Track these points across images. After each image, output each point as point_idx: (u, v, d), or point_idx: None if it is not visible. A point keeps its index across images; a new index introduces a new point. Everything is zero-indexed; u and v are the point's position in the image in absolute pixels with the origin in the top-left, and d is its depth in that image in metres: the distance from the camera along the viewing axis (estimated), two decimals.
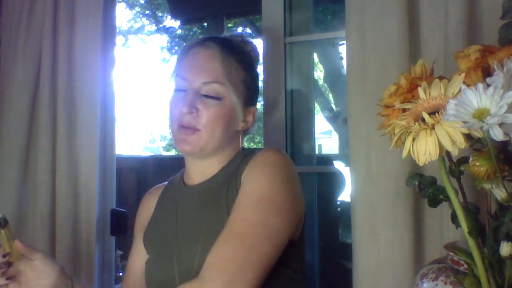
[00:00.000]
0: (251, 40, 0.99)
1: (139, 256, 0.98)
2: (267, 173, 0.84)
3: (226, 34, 0.99)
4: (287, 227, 0.82)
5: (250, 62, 0.94)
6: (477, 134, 0.49)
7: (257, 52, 0.98)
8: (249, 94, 0.92)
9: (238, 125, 0.91)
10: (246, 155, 0.92)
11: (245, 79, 0.91)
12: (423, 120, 0.52)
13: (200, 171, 0.93)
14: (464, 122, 0.47)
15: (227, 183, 0.88)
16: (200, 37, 0.97)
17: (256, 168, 0.86)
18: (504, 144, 0.52)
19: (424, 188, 0.63)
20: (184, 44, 0.96)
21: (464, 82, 0.53)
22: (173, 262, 0.87)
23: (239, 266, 0.74)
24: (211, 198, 0.89)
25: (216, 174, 0.91)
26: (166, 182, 1.04)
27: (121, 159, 1.51)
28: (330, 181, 1.81)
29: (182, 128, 0.87)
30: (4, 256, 0.82)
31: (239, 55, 0.91)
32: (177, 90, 0.90)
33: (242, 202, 0.82)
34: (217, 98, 0.87)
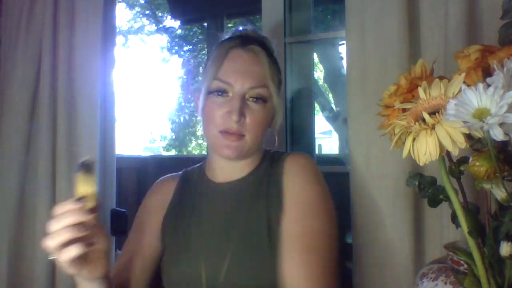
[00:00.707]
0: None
1: (144, 247, 0.92)
2: (310, 181, 0.88)
3: (240, 29, 0.97)
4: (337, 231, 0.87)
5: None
6: (477, 134, 0.49)
7: (274, 45, 0.98)
8: (280, 91, 0.93)
9: (277, 125, 0.93)
10: (273, 158, 0.94)
11: (280, 80, 0.93)
12: (423, 120, 0.52)
13: (231, 170, 0.92)
14: (464, 122, 0.47)
15: (262, 186, 0.90)
16: (234, 35, 0.94)
17: (297, 176, 0.88)
18: (504, 144, 0.52)
19: (424, 188, 0.63)
20: (219, 43, 0.92)
21: (464, 82, 0.52)
22: (201, 262, 0.85)
23: (326, 281, 0.78)
24: (246, 199, 0.89)
25: (248, 174, 0.92)
26: (179, 173, 1.01)
27: (121, 159, 1.50)
28: (330, 181, 1.81)
29: (226, 134, 0.85)
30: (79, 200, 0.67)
31: (273, 55, 0.93)
32: (217, 93, 0.87)
33: (300, 212, 0.84)
34: (264, 101, 0.87)
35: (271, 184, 0.89)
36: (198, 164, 1.02)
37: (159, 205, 0.96)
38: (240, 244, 0.84)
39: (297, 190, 0.87)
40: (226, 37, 0.95)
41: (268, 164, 0.93)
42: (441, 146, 0.50)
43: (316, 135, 1.49)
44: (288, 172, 0.89)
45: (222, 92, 0.86)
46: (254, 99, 0.86)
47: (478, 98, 0.47)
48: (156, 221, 0.94)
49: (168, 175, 1.02)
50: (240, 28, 0.97)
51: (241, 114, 0.84)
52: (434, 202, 0.62)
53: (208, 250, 0.86)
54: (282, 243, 0.81)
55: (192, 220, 0.91)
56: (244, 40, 0.90)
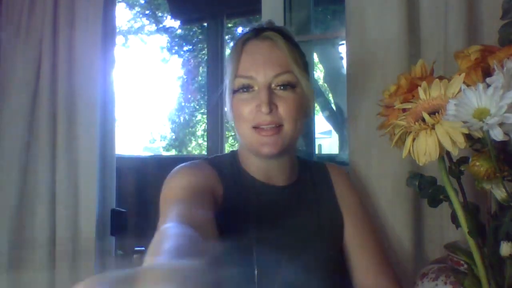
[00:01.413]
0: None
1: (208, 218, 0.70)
2: (357, 193, 0.97)
3: (258, 24, 0.92)
4: None
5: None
6: (477, 134, 0.49)
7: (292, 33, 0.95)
8: (309, 78, 0.87)
9: (311, 112, 0.89)
10: (310, 166, 0.96)
11: (306, 64, 0.87)
12: (423, 120, 0.52)
13: (281, 171, 0.88)
14: (464, 122, 0.47)
15: (312, 194, 0.91)
16: (249, 29, 0.89)
17: (347, 189, 0.95)
18: (504, 144, 0.52)
19: (424, 188, 0.63)
20: (235, 42, 0.87)
21: (464, 82, 0.53)
22: (254, 261, 0.81)
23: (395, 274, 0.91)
24: (299, 206, 0.89)
25: (296, 181, 0.91)
26: (203, 162, 0.87)
27: (121, 159, 1.50)
28: None
29: (261, 130, 0.81)
30: None
31: (295, 42, 0.88)
32: (242, 90, 0.82)
33: (361, 223, 0.92)
34: (292, 87, 0.82)
35: (323, 194, 0.93)
36: (221, 156, 0.93)
37: (209, 187, 0.79)
38: (300, 246, 0.85)
39: (351, 202, 0.94)
40: (230, 42, 0.93)
41: (309, 172, 0.95)
42: (441, 146, 0.50)
43: (316, 135, 1.49)
44: (337, 185, 0.95)
45: (247, 88, 0.82)
46: (282, 87, 0.81)
47: (478, 98, 0.47)
48: (208, 187, 0.79)
49: (189, 162, 0.86)
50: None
51: (271, 104, 0.79)
52: (434, 202, 0.62)
53: (263, 251, 0.83)
54: (353, 253, 0.90)
55: (245, 217, 0.83)
56: (258, 31, 0.86)
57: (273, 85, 0.81)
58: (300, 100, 0.83)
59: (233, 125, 0.88)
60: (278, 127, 0.81)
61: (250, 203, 0.84)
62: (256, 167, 0.87)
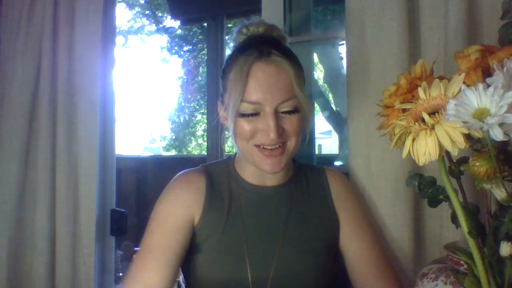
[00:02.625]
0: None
1: (175, 243, 0.85)
2: (357, 198, 0.99)
3: (246, 23, 0.92)
4: None
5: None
6: (477, 134, 0.49)
7: (284, 34, 0.94)
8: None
9: (310, 122, 0.90)
10: (305, 169, 0.98)
11: (303, 77, 0.88)
12: (423, 120, 0.52)
13: (275, 175, 0.91)
14: (464, 122, 0.47)
15: (304, 194, 0.94)
16: (246, 43, 0.88)
17: (346, 193, 0.97)
18: (504, 144, 0.52)
19: (424, 188, 0.63)
20: (234, 60, 0.85)
21: (464, 82, 0.52)
22: (246, 264, 0.85)
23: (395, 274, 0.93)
24: (289, 205, 0.91)
25: (288, 181, 0.94)
26: (199, 169, 0.95)
27: (121, 159, 1.51)
28: None
29: (265, 150, 0.83)
30: None
31: (293, 55, 0.87)
32: (247, 115, 0.82)
33: (361, 228, 0.94)
34: (297, 111, 0.83)
35: (317, 196, 0.94)
36: (218, 162, 0.98)
37: (190, 201, 0.89)
38: (290, 248, 0.87)
39: (349, 206, 0.95)
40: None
41: (304, 174, 0.97)
42: (440, 146, 0.50)
43: (316, 135, 1.49)
44: (334, 188, 0.95)
45: (252, 114, 0.82)
46: (288, 112, 0.82)
47: (478, 98, 0.47)
48: (184, 217, 0.88)
49: (187, 170, 0.95)
50: (246, 22, 0.92)
51: (278, 130, 0.81)
52: (434, 202, 0.62)
53: (254, 252, 0.86)
54: (353, 257, 0.91)
55: (234, 221, 0.89)
56: (261, 50, 0.83)
57: (280, 110, 0.82)
58: (302, 119, 0.85)
59: (231, 136, 0.89)
60: (282, 145, 0.83)
61: (240, 205, 0.90)
62: (250, 173, 0.92)
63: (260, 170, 0.87)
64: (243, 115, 0.82)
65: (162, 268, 0.83)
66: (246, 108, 0.81)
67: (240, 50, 0.86)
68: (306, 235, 0.89)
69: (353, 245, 0.91)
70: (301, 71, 0.86)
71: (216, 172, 0.94)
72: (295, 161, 0.99)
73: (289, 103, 0.82)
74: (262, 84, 0.81)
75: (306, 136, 0.88)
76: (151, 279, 0.82)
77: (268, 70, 0.81)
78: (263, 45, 0.84)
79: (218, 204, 0.90)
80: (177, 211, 0.88)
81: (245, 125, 0.82)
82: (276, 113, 0.81)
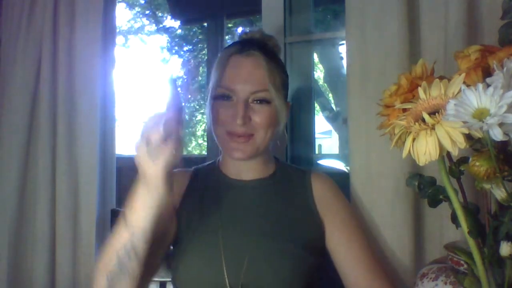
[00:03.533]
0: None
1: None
2: (342, 198, 0.98)
3: (246, 30, 1.00)
4: None
5: (282, 61, 0.98)
6: (477, 134, 0.49)
7: (279, 45, 1.01)
8: (286, 92, 0.96)
9: (283, 121, 0.95)
10: (290, 170, 1.00)
11: (284, 80, 0.95)
12: (423, 120, 0.52)
13: (245, 168, 0.96)
14: (464, 122, 0.47)
15: (284, 193, 0.95)
16: (236, 41, 0.98)
17: (333, 196, 0.97)
18: (504, 144, 0.52)
19: (424, 188, 0.63)
20: (219, 55, 0.95)
21: (464, 82, 0.52)
22: (221, 257, 0.86)
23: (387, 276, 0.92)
24: (266, 200, 0.94)
25: (267, 177, 0.96)
26: (189, 169, 1.02)
27: (121, 159, 1.50)
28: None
29: (234, 137, 0.89)
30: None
31: (277, 58, 0.95)
32: (222, 98, 0.90)
33: (348, 231, 0.93)
34: (267, 102, 0.90)
35: (297, 196, 0.95)
36: (208, 162, 1.04)
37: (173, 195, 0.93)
38: (262, 243, 0.87)
39: (335, 209, 0.95)
40: (230, 42, 0.97)
41: (287, 174, 0.99)
42: (440, 146, 0.50)
43: (316, 135, 1.49)
44: (317, 190, 0.96)
45: (226, 97, 0.89)
46: (258, 101, 0.89)
47: (477, 98, 0.47)
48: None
49: (178, 169, 0.97)
50: (247, 29, 1.00)
51: (245, 118, 0.87)
52: (434, 202, 0.62)
53: (228, 245, 0.87)
54: (343, 261, 0.91)
55: (209, 214, 0.92)
56: (243, 46, 0.92)
57: (250, 100, 0.89)
58: (272, 113, 0.91)
59: (210, 127, 0.95)
60: (250, 136, 0.89)
61: (217, 197, 0.94)
62: (230, 166, 0.97)
63: (235, 163, 0.95)
64: (217, 98, 0.90)
65: None
66: (221, 92, 0.90)
67: (226, 47, 0.96)
68: (283, 232, 0.89)
69: (342, 248, 0.91)
70: (278, 67, 0.93)
71: (203, 170, 1.01)
72: (278, 160, 1.01)
73: (259, 94, 0.89)
74: (237, 73, 0.89)
75: (285, 136, 0.94)
76: None
77: (245, 62, 0.90)
78: (247, 44, 0.93)
79: (195, 195, 0.95)
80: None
81: (220, 109, 0.90)
82: (247, 102, 0.88)
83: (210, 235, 0.89)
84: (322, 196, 0.95)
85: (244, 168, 0.96)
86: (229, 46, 0.96)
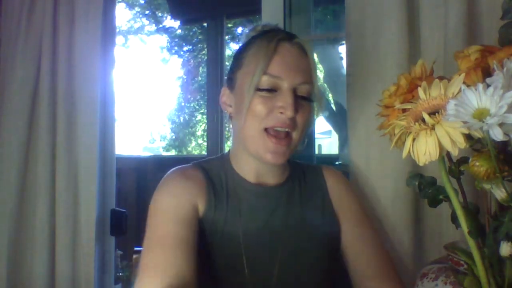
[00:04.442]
0: None
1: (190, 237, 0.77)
2: (355, 195, 0.96)
3: (266, 23, 0.93)
4: None
5: None
6: (477, 134, 0.49)
7: None
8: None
9: (310, 127, 0.90)
10: (301, 167, 0.96)
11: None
12: (423, 120, 0.52)
13: (273, 172, 0.89)
14: (464, 122, 0.47)
15: (302, 194, 0.91)
16: (274, 29, 0.89)
17: (347, 192, 0.95)
18: (504, 144, 0.52)
19: (424, 188, 0.63)
20: (256, 40, 0.85)
21: (464, 82, 0.52)
22: (246, 265, 0.83)
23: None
24: (289, 205, 0.89)
25: (285, 181, 0.91)
26: (192, 166, 0.90)
27: (121, 159, 1.51)
28: None
29: (270, 136, 0.80)
30: None
31: (313, 51, 0.88)
32: (266, 89, 0.80)
33: (361, 225, 0.92)
34: (310, 100, 0.84)
35: (315, 196, 0.92)
36: (211, 159, 0.94)
37: (193, 190, 0.84)
38: (291, 248, 0.85)
39: (349, 206, 0.93)
40: (261, 32, 0.89)
41: (301, 174, 0.94)
42: (440, 146, 0.50)
43: (316, 135, 1.49)
44: (332, 187, 0.94)
45: (271, 88, 0.80)
46: (303, 97, 0.82)
47: (477, 98, 0.47)
48: (190, 205, 0.82)
49: (180, 166, 0.90)
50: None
51: (295, 108, 0.79)
52: (434, 202, 0.62)
53: (252, 255, 0.83)
54: (354, 259, 0.89)
55: (233, 219, 0.85)
56: (288, 34, 0.86)
57: (297, 92, 0.82)
58: (311, 113, 0.85)
59: (234, 121, 0.87)
60: (290, 137, 0.82)
61: (238, 204, 0.86)
62: (248, 168, 0.88)
63: (259, 165, 0.86)
64: (261, 90, 0.80)
65: (185, 254, 0.73)
66: (266, 81, 0.80)
67: (262, 33, 0.87)
68: (306, 237, 0.87)
69: (355, 245, 0.89)
70: (316, 64, 0.87)
71: (211, 168, 0.90)
72: (290, 161, 0.96)
73: (306, 87, 0.82)
74: (286, 61, 0.81)
75: (305, 139, 0.88)
76: (180, 268, 0.71)
77: (293, 50, 0.83)
78: (287, 32, 0.87)
79: (218, 199, 0.85)
80: (182, 200, 0.81)
81: (262, 102, 0.80)
82: (295, 94, 0.81)
83: (233, 247, 0.82)
84: (336, 192, 0.93)
85: (264, 171, 0.88)
86: (267, 33, 0.86)
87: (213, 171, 0.89)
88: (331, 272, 0.89)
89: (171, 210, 0.80)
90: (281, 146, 0.81)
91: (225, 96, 0.90)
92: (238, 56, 0.87)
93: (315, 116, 0.89)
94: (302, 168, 0.96)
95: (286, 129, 0.81)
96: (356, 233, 0.90)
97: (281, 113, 0.79)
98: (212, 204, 0.84)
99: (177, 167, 0.90)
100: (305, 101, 0.83)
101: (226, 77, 0.91)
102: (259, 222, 0.86)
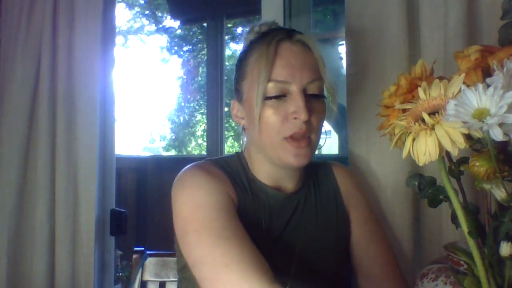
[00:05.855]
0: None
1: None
2: (362, 190, 0.96)
3: (263, 22, 0.88)
4: None
5: None
6: (477, 134, 0.49)
7: None
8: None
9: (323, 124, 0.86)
10: (317, 167, 0.94)
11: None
12: (423, 120, 0.52)
13: (291, 178, 0.86)
14: (464, 122, 0.47)
15: (318, 195, 0.90)
16: (273, 29, 0.84)
17: (356, 190, 0.94)
18: (504, 144, 0.52)
19: (424, 188, 0.63)
20: (255, 45, 0.81)
21: (464, 82, 0.52)
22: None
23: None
24: (311, 211, 0.87)
25: (303, 184, 0.89)
26: (209, 163, 0.84)
27: (121, 159, 1.51)
28: None
29: (293, 142, 0.77)
30: None
31: (319, 44, 0.83)
32: (275, 96, 0.77)
33: (370, 222, 0.92)
34: (322, 96, 0.80)
35: (328, 196, 0.91)
36: (226, 157, 0.90)
37: (225, 183, 0.80)
38: (309, 248, 0.84)
39: (357, 202, 0.92)
40: (260, 35, 0.84)
41: (314, 175, 0.92)
42: (440, 146, 0.50)
43: None
44: (343, 185, 0.93)
45: (279, 95, 0.77)
46: (314, 96, 0.78)
47: (477, 98, 0.47)
48: (229, 198, 0.78)
49: (196, 163, 0.83)
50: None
51: (309, 110, 0.75)
52: (434, 202, 0.62)
53: (273, 254, 0.78)
54: (360, 255, 0.89)
55: (261, 227, 0.81)
56: (287, 32, 0.81)
57: (308, 92, 0.78)
58: (325, 110, 0.82)
59: (249, 131, 0.84)
60: (309, 139, 0.78)
61: (262, 210, 0.82)
62: (267, 173, 0.85)
63: (277, 171, 0.83)
64: (269, 98, 0.77)
65: (251, 243, 0.69)
66: (273, 88, 0.76)
67: (261, 36, 0.83)
68: (324, 240, 0.86)
69: (362, 242, 0.89)
70: (322, 57, 0.82)
71: (229, 166, 0.85)
72: None
73: (316, 84, 0.78)
74: (290, 62, 0.77)
75: (326, 136, 0.86)
76: (259, 258, 0.68)
77: (295, 49, 0.79)
78: (286, 30, 0.83)
79: (246, 197, 0.82)
80: (220, 195, 0.76)
81: (272, 113, 0.77)
82: (306, 94, 0.77)
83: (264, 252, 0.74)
84: (346, 189, 0.93)
85: (284, 176, 0.85)
86: (266, 35, 0.81)
87: (232, 170, 0.85)
88: (345, 271, 0.89)
89: (214, 203, 0.74)
90: (302, 148, 0.77)
91: (236, 109, 0.87)
92: (240, 65, 0.84)
93: (333, 108, 0.84)
94: (313, 167, 0.93)
95: (307, 135, 0.78)
96: (365, 231, 0.90)
97: (295, 118, 0.76)
98: (241, 201, 0.80)
99: (192, 164, 0.83)
100: (317, 99, 0.79)
101: (233, 89, 0.88)
102: (277, 227, 0.83)
